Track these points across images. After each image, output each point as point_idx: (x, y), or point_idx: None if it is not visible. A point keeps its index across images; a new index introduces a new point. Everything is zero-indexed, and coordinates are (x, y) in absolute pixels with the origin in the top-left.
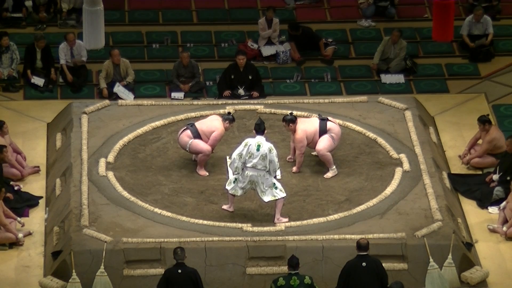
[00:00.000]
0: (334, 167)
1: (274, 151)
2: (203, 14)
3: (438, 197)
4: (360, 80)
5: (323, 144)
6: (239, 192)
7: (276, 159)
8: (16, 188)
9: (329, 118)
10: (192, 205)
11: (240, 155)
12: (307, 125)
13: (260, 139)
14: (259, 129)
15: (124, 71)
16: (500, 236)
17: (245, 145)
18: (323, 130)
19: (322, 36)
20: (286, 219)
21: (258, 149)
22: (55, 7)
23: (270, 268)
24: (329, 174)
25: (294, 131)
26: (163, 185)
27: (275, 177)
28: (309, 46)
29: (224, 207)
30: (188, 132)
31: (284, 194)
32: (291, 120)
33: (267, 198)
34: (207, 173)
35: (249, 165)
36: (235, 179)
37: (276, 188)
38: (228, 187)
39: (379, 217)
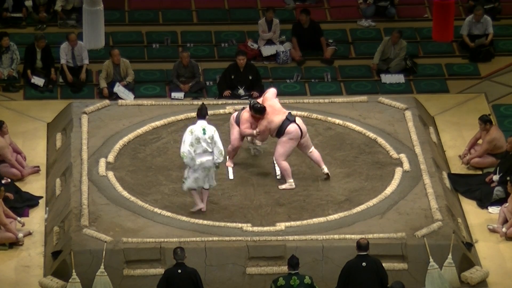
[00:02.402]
0: (292, 180)
1: (217, 133)
2: (203, 14)
3: (438, 197)
4: (360, 80)
5: (278, 152)
6: (195, 185)
7: (220, 141)
8: (3, 181)
9: (297, 120)
10: (192, 205)
11: (191, 144)
12: (274, 117)
13: (202, 123)
14: (201, 114)
15: (124, 71)
16: (500, 237)
17: (191, 133)
18: (282, 130)
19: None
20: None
21: (204, 133)
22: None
23: (270, 268)
24: (283, 186)
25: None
26: (163, 185)
27: (217, 165)
28: (311, 43)
29: (194, 209)
30: (235, 114)
31: (200, 185)
32: (260, 111)
33: (213, 182)
34: (232, 165)
35: (199, 151)
36: (186, 178)
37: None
38: (184, 187)
39: (379, 217)
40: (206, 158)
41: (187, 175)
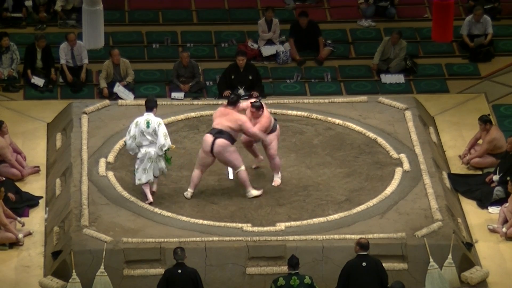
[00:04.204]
0: (280, 173)
1: (163, 126)
2: (203, 14)
3: (438, 197)
4: (360, 80)
5: (275, 146)
6: (148, 178)
7: (162, 133)
8: None
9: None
10: (192, 205)
11: (134, 136)
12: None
13: (148, 116)
14: (148, 106)
15: (124, 71)
16: (500, 237)
17: (136, 125)
18: (274, 127)
19: (322, 36)
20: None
21: (148, 126)
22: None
23: (270, 268)
24: (277, 180)
25: (258, 117)
26: (163, 185)
27: (166, 153)
28: (310, 43)
29: (147, 202)
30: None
31: (150, 178)
32: (261, 106)
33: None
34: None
35: (145, 143)
36: (136, 169)
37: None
38: (140, 181)
39: (379, 217)
40: (152, 149)
41: (136, 167)
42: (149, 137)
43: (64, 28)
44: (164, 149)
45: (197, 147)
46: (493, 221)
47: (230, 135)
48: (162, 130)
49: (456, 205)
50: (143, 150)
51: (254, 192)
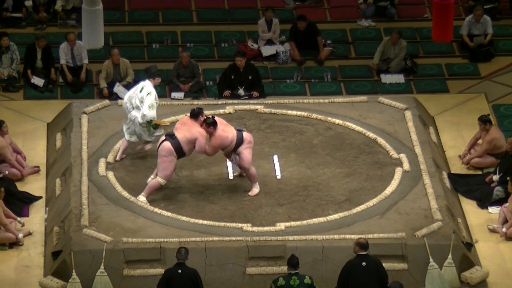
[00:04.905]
0: (257, 183)
1: (151, 97)
2: (203, 14)
3: (438, 197)
4: (360, 80)
5: (248, 158)
6: (135, 139)
7: (148, 103)
8: (0, 175)
9: (243, 129)
10: (192, 205)
11: (130, 96)
12: (228, 130)
13: (146, 82)
14: (146, 74)
15: (124, 71)
16: (500, 237)
17: (135, 88)
18: (239, 140)
19: (322, 36)
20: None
21: (140, 91)
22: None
23: (270, 268)
24: (255, 190)
25: (211, 134)
26: (163, 185)
27: (147, 123)
28: (309, 44)
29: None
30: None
31: (129, 139)
32: (212, 124)
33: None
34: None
35: (134, 105)
36: (127, 129)
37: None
38: (131, 139)
39: (379, 217)
40: (135, 114)
41: (126, 127)
42: (136, 101)
43: (64, 28)
44: (145, 119)
45: None
46: (493, 221)
47: (179, 145)
48: (149, 101)
49: (456, 205)
50: (131, 113)
51: (142, 199)
